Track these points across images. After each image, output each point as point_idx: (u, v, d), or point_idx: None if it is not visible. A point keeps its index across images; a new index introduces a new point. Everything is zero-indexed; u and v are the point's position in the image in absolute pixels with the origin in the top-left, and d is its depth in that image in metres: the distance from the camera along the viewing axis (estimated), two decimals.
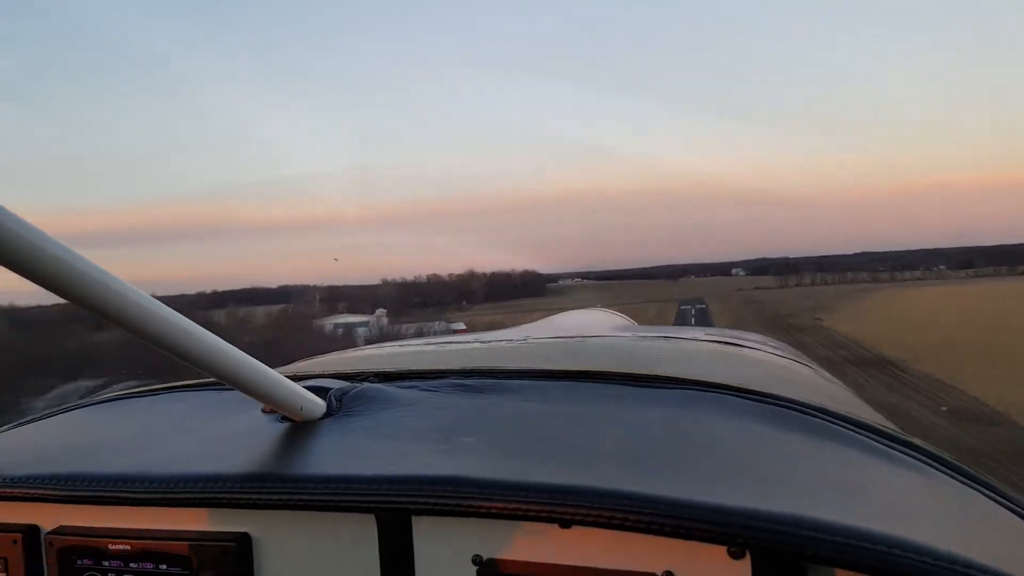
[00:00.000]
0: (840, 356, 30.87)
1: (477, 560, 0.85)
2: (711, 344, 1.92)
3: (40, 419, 1.41)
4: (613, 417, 1.05)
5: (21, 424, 1.40)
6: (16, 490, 0.96)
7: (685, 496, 0.74)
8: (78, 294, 0.69)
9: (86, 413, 1.38)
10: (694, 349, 1.84)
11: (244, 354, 0.89)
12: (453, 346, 1.88)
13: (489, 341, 1.91)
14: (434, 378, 1.26)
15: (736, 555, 0.75)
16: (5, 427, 1.40)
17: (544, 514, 0.77)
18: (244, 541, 0.92)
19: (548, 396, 1.15)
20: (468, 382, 1.23)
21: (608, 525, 0.74)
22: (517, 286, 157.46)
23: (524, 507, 0.78)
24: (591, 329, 2.49)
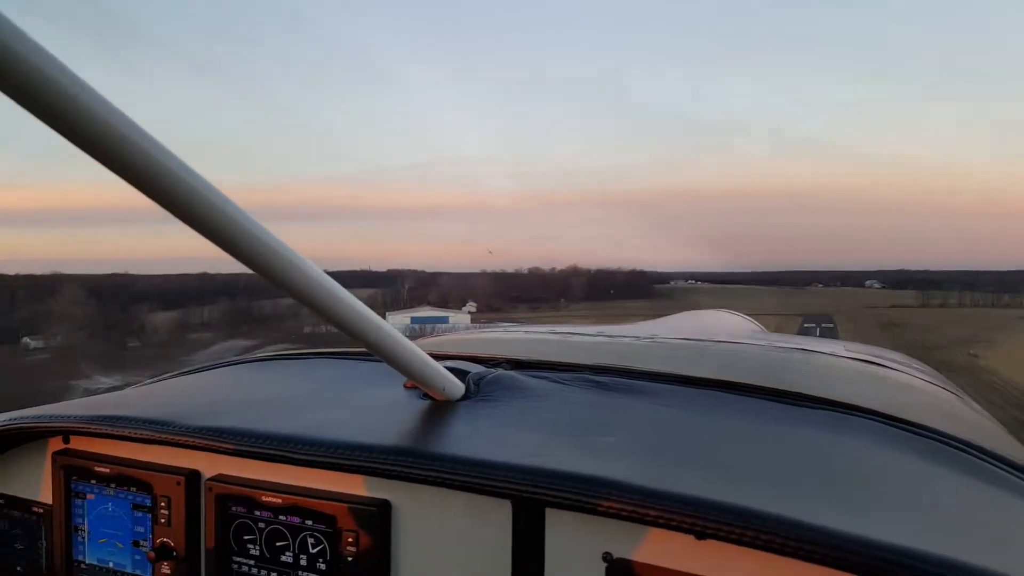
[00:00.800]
0: (1015, 418, 20.73)
1: (607, 557, 0.89)
2: (853, 362, 1.81)
3: (201, 371, 1.56)
4: (755, 433, 1.05)
5: (183, 374, 1.57)
6: (184, 438, 1.07)
7: (832, 524, 0.73)
8: (256, 260, 0.76)
9: (244, 370, 1.52)
10: (835, 366, 1.75)
11: (394, 330, 0.96)
12: (578, 338, 1.89)
13: (614, 336, 1.91)
14: (565, 370, 1.31)
15: None
16: (169, 374, 1.56)
17: (683, 524, 0.79)
18: (385, 508, 1.01)
19: (686, 403, 1.18)
20: (600, 379, 1.26)
21: (748, 543, 0.75)
22: (621, 286, 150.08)
23: (663, 515, 0.80)
24: (719, 332, 2.42)
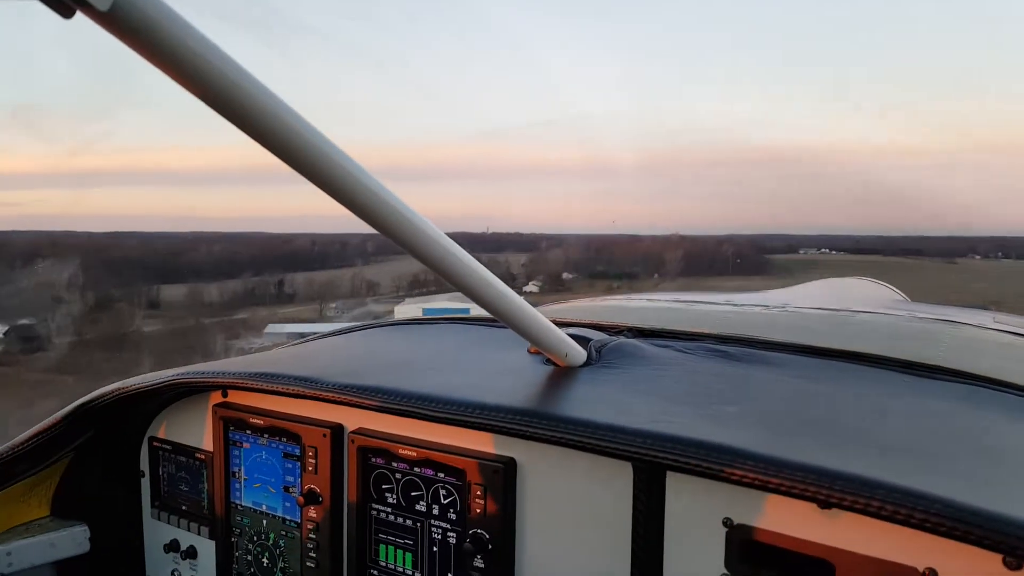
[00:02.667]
0: None
1: (728, 523, 0.99)
2: (1001, 334, 1.84)
3: (343, 333, 1.87)
4: (886, 405, 1.11)
5: (327, 336, 1.87)
6: (332, 394, 1.27)
7: (963, 498, 0.76)
8: (386, 224, 0.87)
9: (381, 333, 1.80)
10: (981, 338, 1.78)
11: (519, 297, 1.11)
12: (705, 307, 1.99)
13: (742, 305, 2.00)
14: (689, 339, 1.44)
15: (1012, 565, 0.78)
16: (314, 337, 1.87)
17: (805, 492, 0.85)
18: (511, 465, 1.18)
19: (815, 374, 1.25)
20: (725, 348, 1.38)
21: (873, 514, 0.80)
22: (726, 259, 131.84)
23: (785, 483, 0.86)
24: (858, 302, 2.50)
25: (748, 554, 0.99)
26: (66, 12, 0.54)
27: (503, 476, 1.17)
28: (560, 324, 1.26)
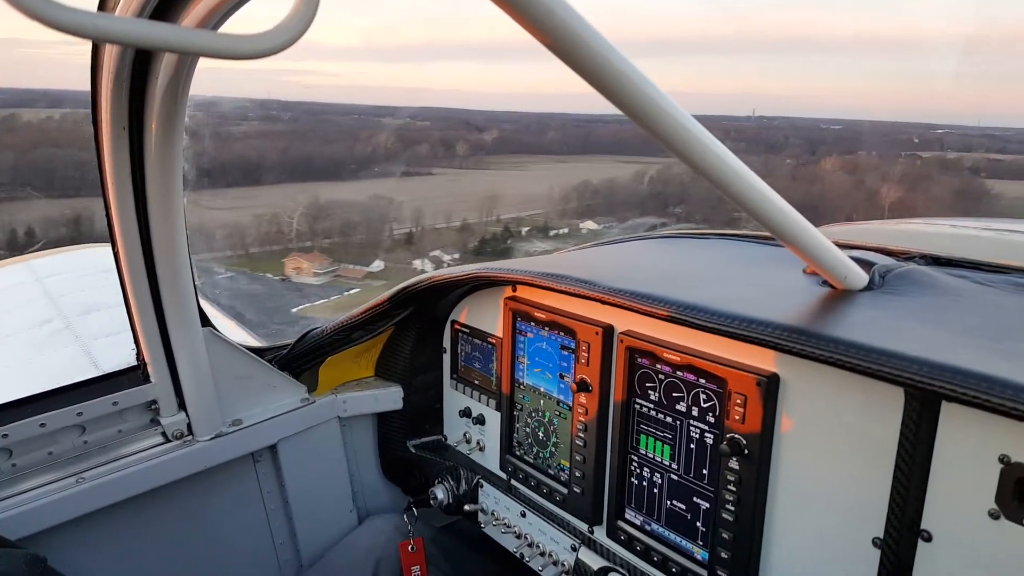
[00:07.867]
0: None
1: (1004, 460, 1.02)
2: None
3: (617, 243, 2.18)
4: None
5: (601, 244, 2.20)
6: (605, 296, 1.50)
7: None
8: (638, 112, 0.90)
9: (653, 244, 2.07)
10: None
11: (799, 215, 1.17)
12: (1017, 236, 1.93)
13: None
14: (993, 271, 1.44)
15: None
16: (591, 244, 2.21)
17: None
18: (774, 379, 1.31)
19: None
20: None
21: None
22: None
23: None
24: None
25: None
26: None
27: (765, 389, 1.29)
28: (842, 246, 1.32)
